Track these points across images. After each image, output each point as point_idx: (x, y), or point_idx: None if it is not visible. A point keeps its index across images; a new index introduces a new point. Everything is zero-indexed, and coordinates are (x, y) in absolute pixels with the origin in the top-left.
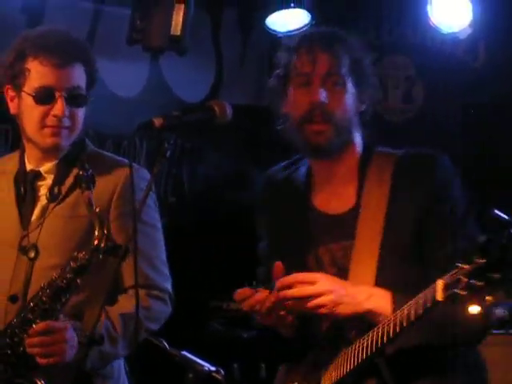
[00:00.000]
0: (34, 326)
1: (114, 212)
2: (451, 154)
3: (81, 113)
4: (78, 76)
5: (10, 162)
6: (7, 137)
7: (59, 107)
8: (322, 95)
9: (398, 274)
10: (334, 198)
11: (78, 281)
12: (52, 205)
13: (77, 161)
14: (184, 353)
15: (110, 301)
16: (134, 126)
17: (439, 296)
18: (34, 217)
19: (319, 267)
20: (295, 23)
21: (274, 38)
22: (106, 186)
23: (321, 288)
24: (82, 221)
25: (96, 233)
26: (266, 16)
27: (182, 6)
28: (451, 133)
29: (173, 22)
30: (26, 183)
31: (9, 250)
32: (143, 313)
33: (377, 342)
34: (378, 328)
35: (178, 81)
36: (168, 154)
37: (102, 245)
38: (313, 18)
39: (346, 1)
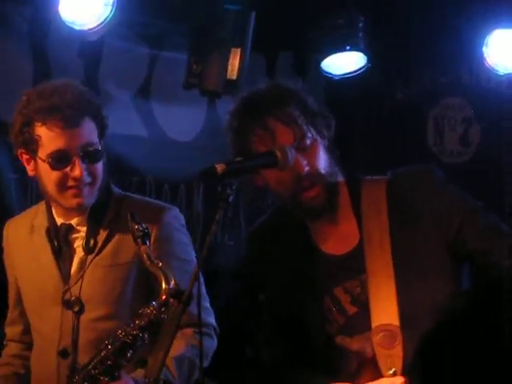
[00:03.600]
0: (98, 383)
1: (153, 254)
2: (508, 196)
3: (99, 166)
4: (89, 132)
5: (38, 217)
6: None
7: (77, 168)
8: (304, 165)
9: (421, 297)
10: (337, 239)
11: (146, 336)
12: (90, 256)
13: (106, 207)
14: None
15: None
16: (190, 170)
17: None
18: (73, 270)
19: (337, 307)
20: (351, 66)
21: (329, 81)
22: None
23: None
24: (122, 269)
25: (163, 287)
26: (322, 59)
27: (239, 50)
28: (509, 174)
29: (229, 66)
30: (58, 237)
31: (52, 304)
32: (194, 352)
33: None
34: None
35: None
36: (230, 199)
37: (171, 300)
38: (368, 60)
39: (400, 43)
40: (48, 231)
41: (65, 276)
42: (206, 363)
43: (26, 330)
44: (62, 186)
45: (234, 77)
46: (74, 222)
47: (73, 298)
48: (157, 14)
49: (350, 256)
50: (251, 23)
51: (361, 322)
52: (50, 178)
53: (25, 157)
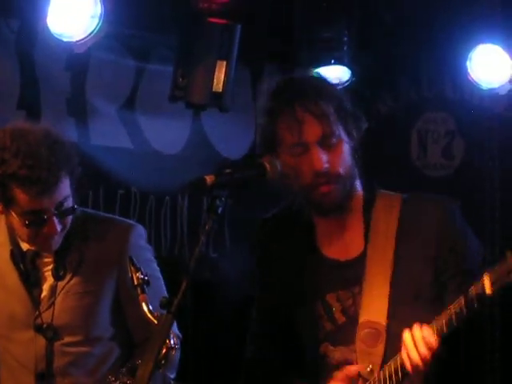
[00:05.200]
0: None
1: (123, 270)
2: (490, 209)
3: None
4: (64, 188)
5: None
6: None
7: (51, 227)
8: (324, 162)
9: (411, 316)
10: (341, 244)
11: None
12: (61, 283)
13: (71, 230)
14: None
15: (127, 355)
16: (175, 182)
17: (488, 289)
18: (43, 295)
19: (328, 314)
20: (335, 80)
21: None
22: (109, 246)
23: None
24: (96, 294)
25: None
26: (307, 72)
27: (224, 63)
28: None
29: (215, 79)
30: (25, 262)
31: (23, 328)
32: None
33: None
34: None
35: (219, 137)
36: (220, 210)
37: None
38: (353, 74)
39: (385, 57)
40: (12, 254)
41: (35, 301)
42: (174, 374)
43: None
44: (33, 238)
45: (220, 89)
46: None
47: (45, 325)
48: (143, 27)
49: (350, 265)
50: (237, 36)
51: (347, 333)
52: (22, 230)
53: None
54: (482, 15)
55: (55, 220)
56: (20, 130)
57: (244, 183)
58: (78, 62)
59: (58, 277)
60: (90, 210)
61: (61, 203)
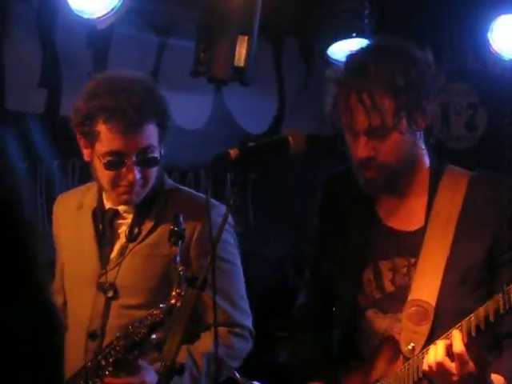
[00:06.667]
0: (106, 372)
1: (194, 251)
2: None
3: (154, 170)
4: (149, 135)
5: (88, 196)
6: (74, 170)
7: (131, 173)
8: (369, 150)
9: (460, 299)
10: (401, 214)
11: (154, 336)
12: (131, 244)
13: (155, 198)
14: (254, 382)
15: (194, 337)
16: (199, 157)
17: None
18: (112, 255)
19: (377, 281)
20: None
21: None
22: (186, 224)
23: None
24: (162, 260)
25: (173, 292)
26: (328, 45)
27: (246, 38)
28: None
29: (236, 54)
30: (104, 221)
31: (87, 285)
32: (225, 351)
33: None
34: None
35: (241, 112)
36: (244, 184)
37: (179, 304)
38: None
39: (407, 29)
40: (94, 213)
41: (104, 260)
42: (236, 364)
43: (65, 304)
44: (114, 184)
45: (242, 64)
46: (121, 208)
47: (107, 284)
48: (165, 1)
49: (408, 236)
50: (258, 10)
51: (395, 302)
52: (103, 174)
53: (82, 142)
54: None
55: (135, 168)
56: (120, 73)
57: (268, 157)
58: (99, 38)
59: (130, 237)
60: (181, 186)
61: (143, 150)
